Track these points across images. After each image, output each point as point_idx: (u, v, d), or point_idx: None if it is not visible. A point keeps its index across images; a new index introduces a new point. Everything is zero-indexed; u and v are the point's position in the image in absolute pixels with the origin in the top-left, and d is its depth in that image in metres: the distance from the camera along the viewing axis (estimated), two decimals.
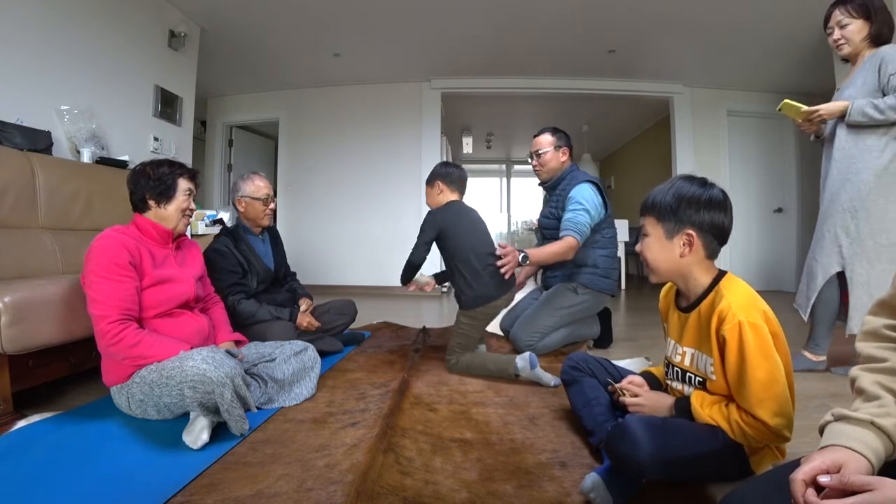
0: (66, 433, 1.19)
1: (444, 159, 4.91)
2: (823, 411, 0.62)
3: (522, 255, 1.84)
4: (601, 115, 5.76)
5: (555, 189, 2.16)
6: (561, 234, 1.98)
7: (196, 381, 1.12)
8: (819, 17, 2.80)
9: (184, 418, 1.22)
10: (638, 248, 1.01)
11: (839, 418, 0.58)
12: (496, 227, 9.38)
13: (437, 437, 1.19)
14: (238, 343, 1.57)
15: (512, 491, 0.93)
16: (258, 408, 1.35)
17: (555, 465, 1.04)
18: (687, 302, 0.99)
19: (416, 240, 1.80)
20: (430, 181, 1.91)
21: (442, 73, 4.44)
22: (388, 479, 0.97)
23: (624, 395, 1.08)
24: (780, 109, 1.74)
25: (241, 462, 1.04)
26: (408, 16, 3.34)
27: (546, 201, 2.27)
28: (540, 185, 2.26)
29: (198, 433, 1.12)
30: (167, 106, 3.05)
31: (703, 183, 0.93)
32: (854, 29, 1.64)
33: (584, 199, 1.98)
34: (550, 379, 1.60)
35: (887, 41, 1.65)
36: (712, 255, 0.95)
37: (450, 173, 1.91)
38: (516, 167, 8.60)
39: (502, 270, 1.74)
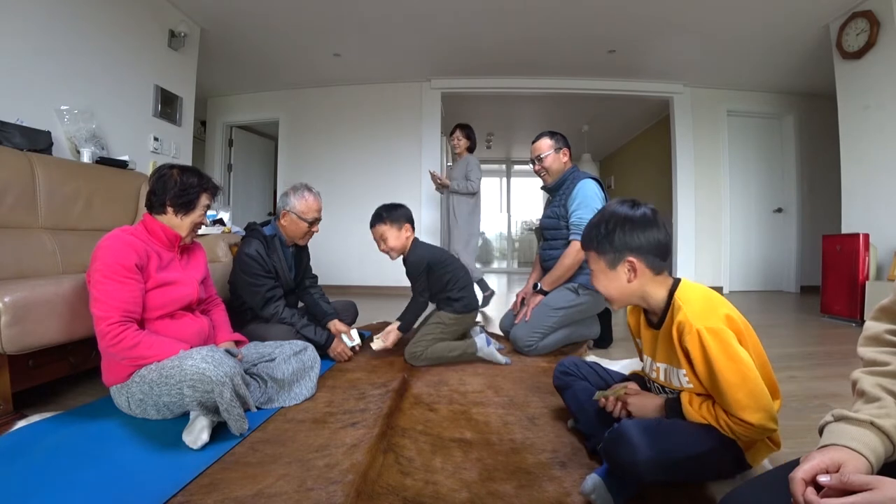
0: (66, 433, 1.19)
1: (445, 159, 4.92)
2: (823, 411, 0.62)
3: (538, 287, 2.09)
4: (601, 115, 5.76)
5: (557, 190, 2.16)
6: (570, 238, 2.01)
7: (195, 381, 1.12)
8: (819, 18, 2.83)
9: (184, 418, 1.22)
10: (591, 282, 1.03)
11: (839, 418, 0.59)
12: (496, 228, 9.39)
13: (437, 437, 1.19)
14: (238, 343, 1.57)
15: (512, 491, 0.93)
16: (258, 407, 1.35)
17: (555, 465, 1.04)
18: (656, 318, 0.99)
19: (415, 287, 1.92)
20: (397, 222, 1.88)
21: (442, 73, 4.44)
22: (388, 479, 0.97)
23: (608, 401, 1.07)
24: None
25: (241, 462, 1.04)
26: (408, 16, 3.35)
27: (549, 202, 2.27)
28: (543, 188, 2.27)
29: (198, 433, 1.12)
30: (167, 106, 3.05)
31: (633, 204, 0.95)
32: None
33: (588, 196, 2.01)
34: (502, 358, 1.89)
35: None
36: (659, 271, 0.95)
37: (408, 213, 1.95)
38: (516, 167, 8.60)
39: (521, 314, 2.07)
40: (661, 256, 0.93)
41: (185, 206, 1.37)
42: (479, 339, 1.91)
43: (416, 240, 1.95)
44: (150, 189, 1.37)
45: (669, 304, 0.93)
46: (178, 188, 1.35)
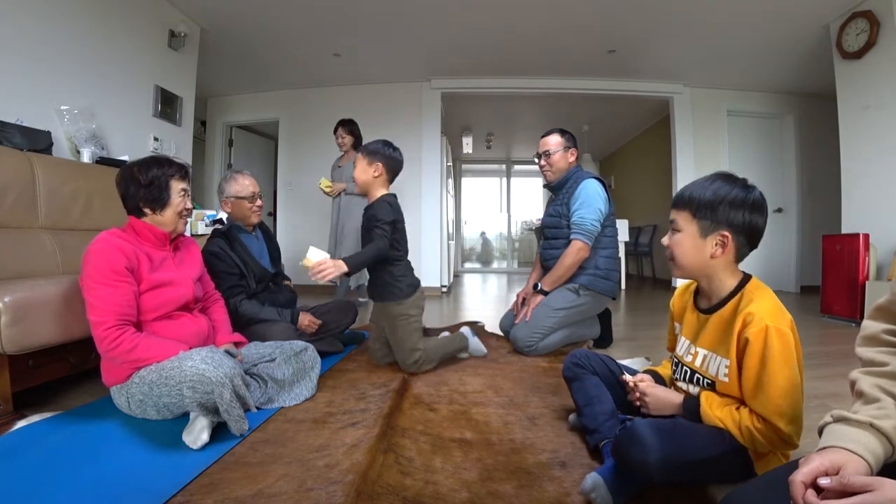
0: (66, 433, 1.19)
1: (444, 159, 4.91)
2: (823, 412, 0.62)
3: (538, 287, 2.09)
4: (601, 115, 5.76)
5: (560, 189, 2.16)
6: (570, 238, 2.01)
7: (195, 382, 1.12)
8: (819, 18, 2.76)
9: (184, 418, 1.22)
10: (665, 241, 0.98)
11: (838, 420, 0.59)
12: (496, 228, 9.39)
13: (437, 437, 1.19)
14: (238, 344, 1.56)
15: (512, 491, 0.93)
16: (258, 408, 1.35)
17: (555, 465, 1.04)
18: (708, 303, 0.98)
19: (380, 229, 1.68)
20: (371, 157, 1.76)
21: (442, 73, 4.44)
22: (388, 479, 0.97)
23: (634, 389, 1.06)
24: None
25: (241, 462, 1.05)
26: (408, 16, 3.34)
27: (551, 201, 2.27)
28: (545, 186, 2.27)
29: (198, 433, 1.12)
30: (167, 106, 3.05)
31: (745, 184, 0.91)
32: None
33: (591, 195, 2.01)
34: (483, 348, 2.01)
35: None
36: (740, 258, 0.93)
37: (394, 159, 1.79)
38: (516, 167, 8.59)
39: (522, 314, 2.09)
40: (752, 244, 0.92)
41: (158, 201, 1.33)
42: (466, 330, 2.02)
43: (390, 194, 1.79)
44: (121, 195, 1.34)
45: (733, 294, 0.92)
46: (144, 186, 1.31)
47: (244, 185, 1.87)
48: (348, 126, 3.40)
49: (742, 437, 0.85)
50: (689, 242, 0.93)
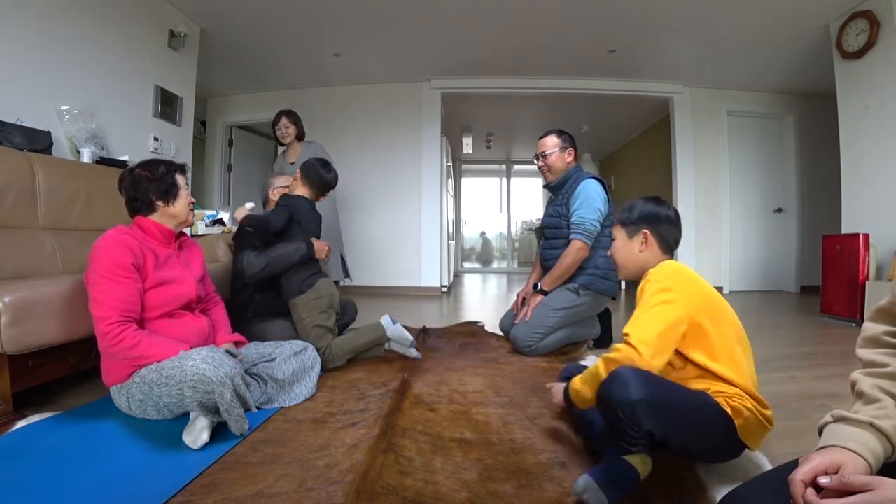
0: (66, 433, 1.19)
1: (444, 159, 4.91)
2: (824, 411, 0.62)
3: (538, 287, 2.10)
4: (601, 115, 5.76)
5: (560, 189, 2.17)
6: (570, 238, 2.01)
7: (195, 381, 1.12)
8: (819, 18, 2.72)
9: (184, 418, 1.22)
10: (609, 252, 1.25)
11: (838, 419, 0.59)
12: (496, 228, 9.39)
13: (437, 437, 1.19)
14: (238, 343, 1.57)
15: (512, 491, 0.93)
16: (258, 408, 1.35)
17: (555, 465, 1.04)
18: None
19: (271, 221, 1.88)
20: (303, 171, 2.06)
21: (442, 73, 4.44)
22: (388, 479, 0.97)
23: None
24: None
25: (241, 462, 1.05)
26: (408, 16, 3.34)
27: (551, 201, 2.28)
28: (545, 186, 2.28)
29: (198, 433, 1.12)
30: (167, 106, 3.05)
31: (659, 202, 1.17)
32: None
33: (590, 195, 2.01)
34: (412, 347, 1.90)
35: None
36: (668, 251, 1.15)
37: (314, 171, 2.06)
38: (516, 167, 8.59)
39: (522, 314, 2.09)
40: (671, 242, 1.15)
41: (170, 193, 1.37)
42: (384, 320, 1.89)
43: (301, 198, 2.02)
44: (128, 197, 1.36)
45: None
46: (155, 180, 1.35)
47: (289, 177, 2.21)
48: (292, 116, 3.08)
49: (599, 367, 0.98)
50: (621, 245, 1.20)
